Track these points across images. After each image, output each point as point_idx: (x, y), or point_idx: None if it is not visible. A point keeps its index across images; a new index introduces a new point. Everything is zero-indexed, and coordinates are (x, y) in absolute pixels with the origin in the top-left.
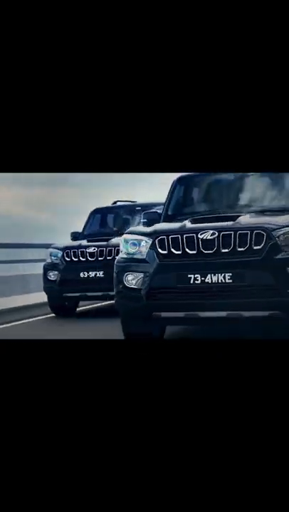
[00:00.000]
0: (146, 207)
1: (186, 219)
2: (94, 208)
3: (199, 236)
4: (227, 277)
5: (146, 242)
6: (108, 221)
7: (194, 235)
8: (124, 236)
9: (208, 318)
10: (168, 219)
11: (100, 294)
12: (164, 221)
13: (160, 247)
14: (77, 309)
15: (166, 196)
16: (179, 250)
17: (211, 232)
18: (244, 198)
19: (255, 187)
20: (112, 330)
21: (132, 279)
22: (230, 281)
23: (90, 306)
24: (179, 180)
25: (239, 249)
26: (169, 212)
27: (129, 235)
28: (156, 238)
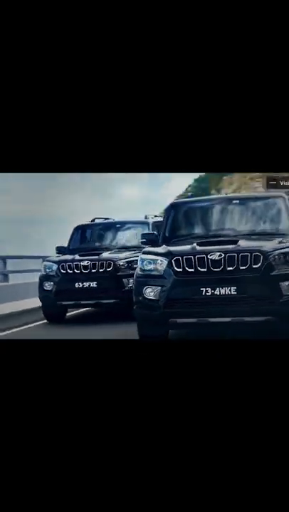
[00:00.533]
0: (123, 224)
1: (184, 240)
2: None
3: (209, 257)
4: (232, 290)
5: (161, 261)
6: (91, 237)
7: (204, 256)
8: (141, 256)
9: (216, 322)
10: (166, 240)
11: (92, 302)
12: (163, 242)
13: (176, 266)
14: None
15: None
16: (192, 268)
17: (218, 253)
18: (232, 222)
19: (241, 211)
20: (100, 330)
21: (150, 292)
22: (235, 293)
23: (75, 313)
24: (172, 206)
25: (241, 268)
26: (167, 235)
27: (146, 255)
28: (172, 258)
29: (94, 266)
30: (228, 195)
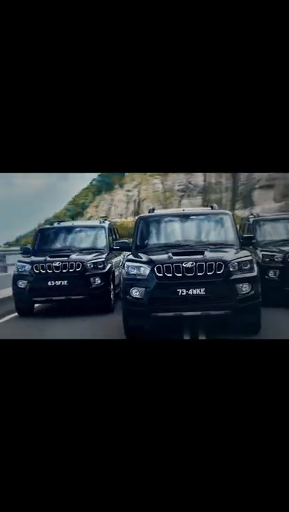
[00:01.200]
0: (82, 227)
1: (158, 250)
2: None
3: (183, 265)
4: (202, 291)
5: (144, 268)
6: (54, 239)
7: (180, 264)
8: (126, 263)
9: (188, 316)
10: (138, 248)
11: (63, 298)
12: (136, 250)
13: (157, 272)
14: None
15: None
16: (170, 274)
17: (190, 263)
18: (192, 234)
19: (198, 225)
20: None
21: (136, 292)
22: (204, 293)
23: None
24: (140, 219)
25: (208, 274)
26: (138, 243)
27: (131, 263)
28: (154, 266)
29: (64, 266)
30: (186, 211)
